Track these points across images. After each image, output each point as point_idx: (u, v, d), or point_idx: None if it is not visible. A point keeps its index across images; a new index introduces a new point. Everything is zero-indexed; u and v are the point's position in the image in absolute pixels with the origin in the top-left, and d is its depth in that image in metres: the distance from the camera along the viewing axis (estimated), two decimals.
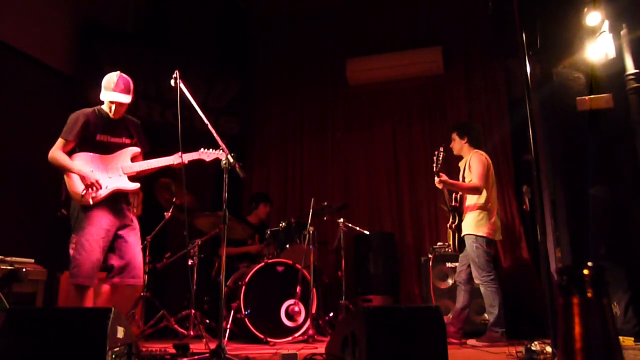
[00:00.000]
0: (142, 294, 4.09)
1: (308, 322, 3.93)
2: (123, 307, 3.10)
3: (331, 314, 4.58)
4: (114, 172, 3.05)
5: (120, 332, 1.96)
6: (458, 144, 4.03)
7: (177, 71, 2.89)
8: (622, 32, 3.68)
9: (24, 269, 3.03)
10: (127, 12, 5.81)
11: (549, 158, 4.32)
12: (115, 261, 3.01)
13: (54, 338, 1.86)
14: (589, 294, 1.13)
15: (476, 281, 3.67)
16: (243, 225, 4.54)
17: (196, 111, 2.87)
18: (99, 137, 3.08)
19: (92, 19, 5.16)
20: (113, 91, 3.07)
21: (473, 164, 3.83)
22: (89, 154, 3.04)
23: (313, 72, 6.33)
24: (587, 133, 3.94)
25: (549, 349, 2.59)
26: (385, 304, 4.77)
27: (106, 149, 3.09)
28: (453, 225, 3.84)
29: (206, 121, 2.83)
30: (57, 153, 2.97)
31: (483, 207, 3.74)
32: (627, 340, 3.24)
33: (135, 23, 5.85)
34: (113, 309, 1.90)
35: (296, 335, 3.93)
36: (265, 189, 6.10)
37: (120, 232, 3.04)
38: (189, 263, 4.03)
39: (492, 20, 4.22)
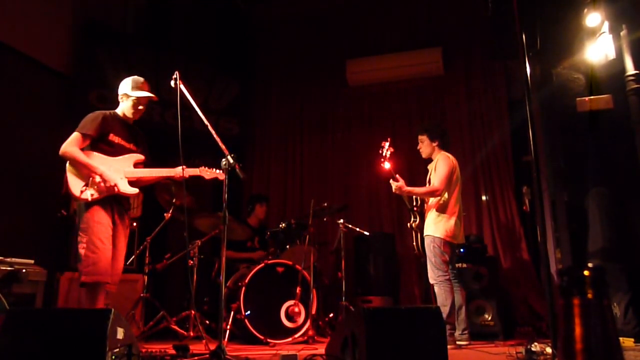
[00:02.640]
0: (141, 294, 4.09)
1: (308, 323, 3.92)
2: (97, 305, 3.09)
3: (331, 315, 4.57)
4: (116, 175, 3.05)
5: (120, 333, 1.95)
6: (428, 147, 3.93)
7: (177, 72, 2.90)
8: (622, 33, 3.68)
9: (23, 270, 3.03)
10: (127, 13, 5.81)
11: (548, 159, 4.32)
12: None
13: (53, 339, 1.85)
14: (590, 295, 1.13)
15: (430, 280, 3.64)
16: (243, 226, 4.54)
17: (196, 112, 2.87)
18: (111, 137, 3.10)
19: (93, 20, 5.17)
20: (141, 90, 3.15)
21: (438, 166, 3.79)
22: (94, 153, 3.05)
23: (313, 72, 6.33)
24: (587, 134, 3.94)
25: (549, 349, 2.59)
26: (385, 305, 4.77)
27: (113, 151, 3.10)
28: (414, 225, 3.82)
29: (206, 122, 2.84)
30: (73, 149, 2.95)
31: (442, 209, 3.70)
32: (627, 341, 3.24)
33: (135, 24, 5.85)
34: (113, 310, 1.90)
35: (296, 336, 3.93)
36: (265, 190, 6.10)
37: (116, 233, 3.05)
38: (189, 264, 4.03)
39: (492, 21, 4.22)
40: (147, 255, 4.16)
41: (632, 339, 3.29)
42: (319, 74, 6.30)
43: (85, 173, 2.98)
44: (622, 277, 3.59)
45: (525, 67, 2.44)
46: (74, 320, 1.92)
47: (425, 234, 3.73)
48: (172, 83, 2.90)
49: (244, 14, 6.55)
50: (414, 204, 3.88)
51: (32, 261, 3.29)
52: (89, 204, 2.94)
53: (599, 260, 3.75)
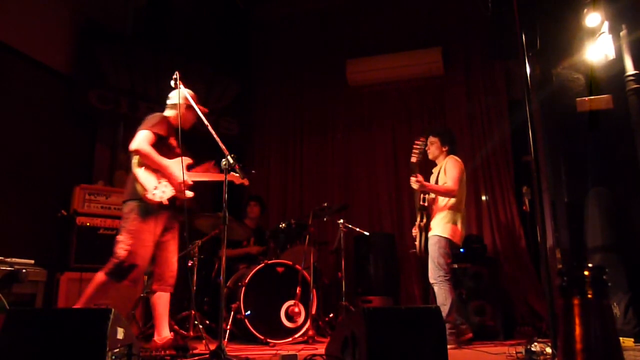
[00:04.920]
0: (142, 294, 4.09)
1: (308, 323, 3.92)
2: (164, 312, 3.08)
3: (331, 315, 4.57)
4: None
5: (120, 333, 1.96)
6: (437, 150, 3.98)
7: (177, 72, 2.90)
8: (621, 33, 3.68)
9: (23, 270, 3.02)
10: (127, 13, 5.81)
11: (548, 159, 4.32)
12: (155, 268, 3.02)
13: (53, 339, 1.86)
14: (589, 295, 1.13)
15: (431, 280, 3.66)
16: (243, 227, 4.55)
17: (196, 112, 2.88)
18: (171, 141, 3.08)
19: (93, 21, 5.17)
20: (197, 104, 3.06)
21: (449, 168, 3.82)
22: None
23: (313, 73, 6.33)
24: (587, 134, 3.94)
25: (549, 349, 2.59)
26: (386, 305, 4.77)
27: (171, 154, 3.06)
28: (422, 224, 3.83)
29: (206, 122, 2.84)
30: (147, 146, 2.88)
31: (451, 210, 3.75)
32: (627, 341, 3.24)
33: (135, 24, 5.85)
34: (113, 310, 1.90)
35: (296, 336, 3.93)
36: (265, 190, 6.11)
37: (163, 240, 3.02)
38: (189, 264, 4.03)
39: (492, 21, 4.22)
40: None
41: (632, 339, 3.29)
42: (319, 74, 6.30)
43: (154, 172, 2.93)
44: (622, 277, 3.59)
45: (525, 67, 2.44)
46: (74, 320, 1.92)
47: (432, 233, 3.74)
48: (172, 83, 2.90)
49: (244, 14, 6.55)
50: (422, 202, 3.88)
51: (32, 261, 3.29)
52: (148, 207, 2.87)
53: (598, 260, 3.75)
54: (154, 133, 2.94)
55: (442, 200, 3.80)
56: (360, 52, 6.03)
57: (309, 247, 4.12)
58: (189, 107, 3.09)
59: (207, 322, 4.12)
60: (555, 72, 4.26)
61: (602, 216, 3.86)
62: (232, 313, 3.88)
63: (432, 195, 3.84)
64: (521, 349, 2.81)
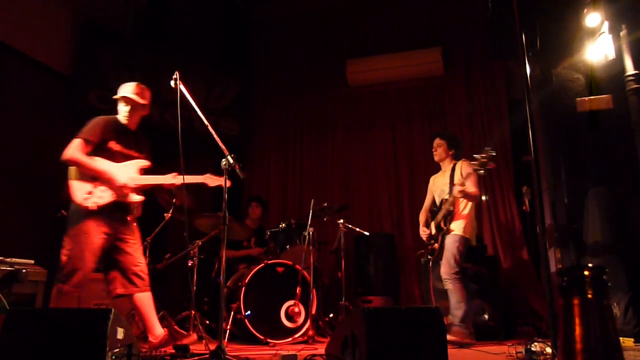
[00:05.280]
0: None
1: (308, 323, 3.92)
2: (149, 312, 3.07)
3: (331, 315, 4.57)
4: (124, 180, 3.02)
5: (120, 333, 1.96)
6: (444, 153, 4.09)
7: (177, 72, 2.89)
8: (621, 33, 3.68)
9: (24, 270, 3.03)
10: (127, 13, 5.81)
11: (548, 159, 4.32)
12: (116, 272, 2.99)
13: (53, 339, 1.86)
14: (589, 295, 1.13)
15: (445, 276, 3.72)
16: (242, 227, 4.54)
17: (196, 112, 2.87)
18: (111, 144, 3.05)
19: (93, 21, 5.17)
20: (127, 91, 3.09)
21: (467, 172, 3.86)
22: (98, 158, 2.99)
23: (313, 73, 6.33)
24: (587, 134, 3.94)
25: (549, 349, 2.59)
26: (386, 305, 4.77)
27: (115, 158, 3.05)
28: (446, 227, 3.85)
29: (206, 122, 2.83)
30: (77, 154, 2.90)
31: (470, 212, 3.87)
32: (627, 341, 3.24)
33: (135, 24, 5.85)
34: (113, 310, 1.90)
35: (296, 336, 3.93)
36: (265, 190, 6.11)
37: (118, 243, 3.00)
38: (189, 264, 4.03)
39: (492, 21, 4.22)
40: (147, 255, 4.15)
41: (632, 339, 3.29)
42: (319, 74, 6.30)
43: (90, 178, 2.94)
44: (621, 276, 3.59)
45: (525, 67, 2.44)
46: (74, 320, 1.92)
47: (453, 232, 3.81)
48: (172, 83, 2.89)
49: (244, 14, 6.55)
50: (452, 208, 3.89)
51: (32, 261, 3.29)
52: (87, 213, 2.88)
53: (598, 259, 3.75)
54: (84, 140, 2.94)
55: (462, 203, 3.87)
56: (360, 52, 6.03)
57: (309, 247, 4.12)
58: (130, 103, 3.10)
59: (207, 322, 4.13)
60: (555, 72, 4.26)
61: (602, 216, 3.86)
62: (232, 313, 3.88)
63: (450, 199, 3.85)
64: (521, 349, 2.81)
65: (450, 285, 3.68)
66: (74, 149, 2.91)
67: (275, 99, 6.47)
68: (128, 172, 3.06)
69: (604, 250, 3.78)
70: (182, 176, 3.05)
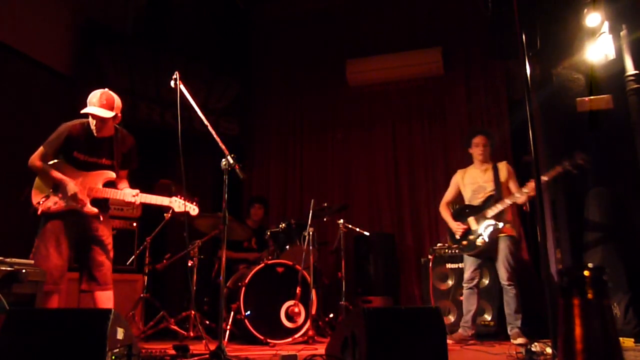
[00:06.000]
0: (142, 295, 4.09)
1: (308, 323, 3.92)
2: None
3: (331, 315, 4.57)
4: (82, 191, 3.04)
5: (120, 333, 1.95)
6: (488, 151, 4.10)
7: (177, 72, 2.89)
8: (621, 33, 3.68)
9: (23, 270, 3.02)
10: (127, 13, 5.81)
11: (549, 159, 4.31)
12: (83, 269, 3.08)
13: (53, 339, 1.85)
14: (590, 296, 1.13)
15: (506, 282, 3.72)
16: (243, 227, 4.54)
17: (196, 112, 2.87)
18: (76, 154, 3.08)
19: (93, 21, 5.17)
20: (93, 105, 3.04)
21: (511, 172, 3.94)
22: (67, 165, 3.07)
23: (313, 73, 6.33)
24: (587, 134, 3.94)
25: (549, 350, 2.59)
26: (385, 305, 4.77)
27: (81, 167, 3.09)
28: (501, 229, 3.80)
29: (206, 122, 2.84)
30: (37, 162, 3.03)
31: (515, 213, 3.93)
32: (627, 342, 3.24)
33: (135, 24, 5.85)
34: (113, 310, 1.90)
35: (296, 336, 3.93)
36: (265, 190, 6.11)
37: (84, 241, 3.07)
38: (189, 264, 4.03)
39: (492, 21, 4.22)
40: (147, 255, 4.16)
41: (632, 339, 3.29)
42: (319, 74, 6.30)
43: (51, 185, 3.03)
44: (622, 276, 3.59)
45: (525, 67, 2.43)
46: (74, 320, 1.92)
47: (504, 235, 3.80)
48: (172, 83, 2.89)
49: (244, 14, 6.55)
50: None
51: (32, 261, 3.29)
52: (49, 215, 2.99)
53: (598, 259, 3.75)
54: (44, 150, 3.05)
55: (509, 203, 3.83)
56: (360, 52, 6.02)
57: (308, 247, 4.12)
58: (95, 118, 3.07)
59: (207, 322, 4.12)
60: (555, 72, 4.26)
61: (602, 216, 3.86)
62: (232, 313, 3.88)
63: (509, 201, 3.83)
64: (521, 349, 2.81)
65: (513, 291, 3.70)
66: (35, 157, 3.05)
67: (275, 99, 6.47)
68: (90, 183, 3.08)
69: (603, 249, 3.78)
70: (143, 195, 3.15)
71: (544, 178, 3.50)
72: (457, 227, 3.94)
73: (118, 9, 5.70)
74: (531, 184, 3.59)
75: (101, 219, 3.12)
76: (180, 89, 2.89)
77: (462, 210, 4.01)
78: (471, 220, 3.90)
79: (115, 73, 5.13)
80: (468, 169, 4.16)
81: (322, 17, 6.40)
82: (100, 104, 3.04)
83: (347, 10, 6.32)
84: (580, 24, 3.85)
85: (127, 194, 3.14)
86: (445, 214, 4.10)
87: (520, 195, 3.70)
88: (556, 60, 4.24)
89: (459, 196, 4.17)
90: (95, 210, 3.08)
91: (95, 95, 3.08)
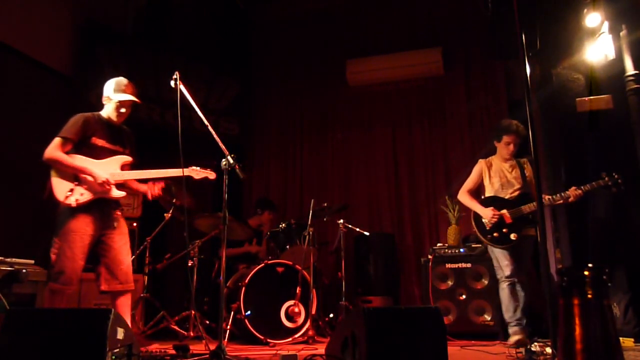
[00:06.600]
0: (142, 294, 4.09)
1: (308, 323, 3.92)
2: (123, 313, 3.07)
3: (331, 315, 4.57)
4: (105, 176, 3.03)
5: (120, 333, 1.96)
6: (516, 150, 3.91)
7: (177, 72, 2.89)
8: (621, 34, 3.68)
9: (23, 270, 3.03)
10: (127, 13, 5.81)
11: (548, 159, 4.32)
12: (102, 268, 3.01)
13: (53, 339, 1.86)
14: (589, 295, 1.13)
15: (523, 279, 3.74)
16: (243, 227, 4.54)
17: (196, 112, 2.87)
18: (94, 140, 3.06)
19: (93, 21, 5.17)
20: (125, 92, 3.12)
21: (531, 172, 3.84)
22: (78, 156, 3.01)
23: (313, 73, 6.33)
24: (587, 134, 3.94)
25: (549, 349, 2.59)
26: (385, 305, 4.77)
27: (98, 154, 3.06)
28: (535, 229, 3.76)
29: (206, 122, 2.84)
30: (57, 153, 2.93)
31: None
32: (627, 341, 3.24)
33: (135, 24, 5.85)
34: (113, 310, 1.90)
35: (296, 336, 3.93)
36: (265, 190, 6.11)
37: (104, 238, 3.02)
38: (189, 264, 4.03)
39: (492, 21, 4.22)
40: (147, 255, 4.16)
41: (632, 339, 3.29)
42: (319, 74, 6.30)
43: (71, 176, 2.96)
44: (622, 276, 3.60)
45: (525, 67, 2.43)
46: (74, 320, 1.92)
47: (532, 235, 3.76)
48: (172, 83, 2.89)
49: (244, 14, 6.55)
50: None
51: (32, 261, 3.29)
52: (72, 210, 2.91)
53: (598, 260, 3.75)
54: (62, 138, 2.97)
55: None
56: (360, 52, 6.02)
57: (308, 247, 4.12)
58: (118, 99, 3.14)
59: (207, 322, 4.13)
60: (555, 72, 4.26)
61: (601, 216, 3.86)
62: (232, 313, 3.88)
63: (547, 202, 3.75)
64: (521, 349, 2.81)
65: (523, 292, 3.71)
66: (53, 148, 2.95)
67: (275, 99, 6.47)
68: (109, 168, 3.07)
69: (603, 250, 3.78)
70: (162, 171, 3.12)
71: (579, 192, 3.47)
72: (492, 215, 3.70)
73: (118, 9, 5.70)
74: (573, 191, 3.51)
75: (122, 209, 3.13)
76: (180, 89, 2.89)
77: (492, 201, 3.81)
78: (506, 213, 3.71)
79: (115, 73, 5.07)
80: (493, 160, 3.97)
81: (322, 17, 6.40)
82: (130, 91, 3.14)
83: (347, 10, 6.32)
84: (580, 24, 3.85)
85: (145, 172, 3.14)
86: (471, 201, 3.88)
87: (560, 199, 3.58)
88: (556, 60, 4.24)
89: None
90: (123, 193, 3.07)
91: (122, 82, 3.17)
